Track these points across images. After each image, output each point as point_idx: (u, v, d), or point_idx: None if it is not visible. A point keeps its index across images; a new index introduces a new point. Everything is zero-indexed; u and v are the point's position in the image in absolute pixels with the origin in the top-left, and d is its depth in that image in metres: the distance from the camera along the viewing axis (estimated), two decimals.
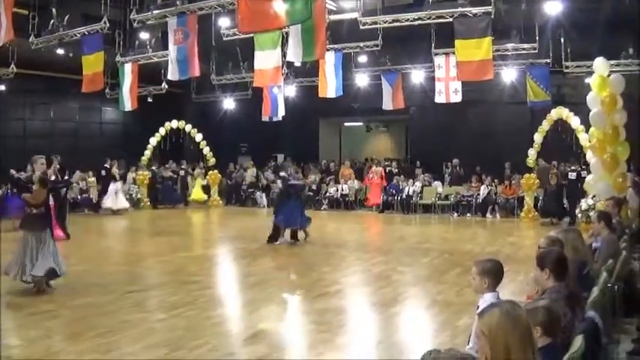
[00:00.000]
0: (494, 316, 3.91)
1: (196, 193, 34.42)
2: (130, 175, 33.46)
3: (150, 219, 29.39)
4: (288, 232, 20.15)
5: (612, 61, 19.94)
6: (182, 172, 34.74)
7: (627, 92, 18.59)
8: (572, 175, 26.69)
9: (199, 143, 34.98)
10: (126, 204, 31.24)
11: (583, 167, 25.90)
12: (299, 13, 18.68)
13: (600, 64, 18.63)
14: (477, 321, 4.06)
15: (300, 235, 20.54)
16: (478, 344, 4.03)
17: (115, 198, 30.65)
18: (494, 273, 6.39)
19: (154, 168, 34.29)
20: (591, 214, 16.51)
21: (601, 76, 18.40)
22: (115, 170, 31.35)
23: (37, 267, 12.18)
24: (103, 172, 31.35)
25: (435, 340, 9.65)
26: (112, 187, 30.69)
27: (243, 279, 15.28)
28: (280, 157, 39.31)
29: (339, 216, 29.92)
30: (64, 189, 16.30)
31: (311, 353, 9.11)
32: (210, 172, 34.46)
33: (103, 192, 31.03)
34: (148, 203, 33.05)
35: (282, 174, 20.31)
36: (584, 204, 21.77)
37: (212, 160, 34.81)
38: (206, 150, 35.00)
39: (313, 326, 10.44)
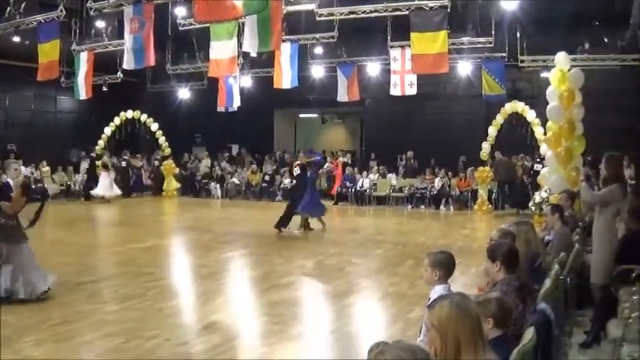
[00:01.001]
0: (445, 308, 3.94)
1: (168, 183, 34.19)
2: (84, 165, 33.31)
3: (103, 209, 29.11)
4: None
5: (570, 56, 20.05)
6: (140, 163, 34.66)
7: (584, 87, 18.72)
8: (538, 167, 26.87)
9: (155, 133, 34.71)
10: (118, 191, 31.89)
11: (537, 160, 26.05)
12: (255, 4, 18.65)
13: (561, 59, 18.72)
14: (427, 313, 4.07)
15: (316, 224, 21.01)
16: (428, 336, 4.05)
17: (110, 186, 31.28)
18: (445, 265, 6.40)
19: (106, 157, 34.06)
20: (544, 207, 16.57)
21: (561, 70, 18.49)
22: (105, 159, 31.96)
23: (41, 280, 11.20)
24: (88, 162, 32.58)
25: (387, 332, 9.67)
26: (104, 175, 31.20)
27: (196, 270, 15.22)
28: (235, 148, 39.23)
29: None
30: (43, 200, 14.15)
31: (264, 343, 9.14)
32: (165, 162, 34.16)
33: (90, 181, 31.67)
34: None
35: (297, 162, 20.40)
36: (537, 197, 21.89)
37: (167, 150, 34.57)
38: (161, 140, 34.72)
39: (266, 317, 10.46)
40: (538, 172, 25.40)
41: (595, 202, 9.13)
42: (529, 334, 5.01)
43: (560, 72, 18.49)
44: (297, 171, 21.13)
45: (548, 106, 18.62)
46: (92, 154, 32.57)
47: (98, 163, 31.74)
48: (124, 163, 33.99)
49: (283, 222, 20.55)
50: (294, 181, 22.89)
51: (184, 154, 37.13)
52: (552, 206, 11.42)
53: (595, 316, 9.00)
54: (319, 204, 21.37)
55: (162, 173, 34.29)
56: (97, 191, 31.00)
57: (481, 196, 27.19)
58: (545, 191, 20.67)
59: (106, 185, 31.00)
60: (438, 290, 6.20)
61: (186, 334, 9.42)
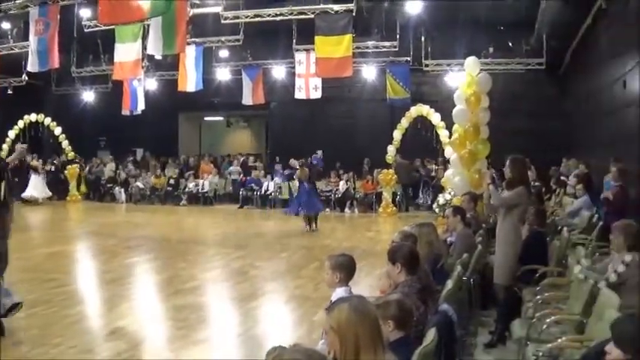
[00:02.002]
0: (343, 311, 3.93)
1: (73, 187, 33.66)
2: None
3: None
4: None
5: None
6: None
7: (489, 90, 18.93)
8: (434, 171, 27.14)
9: (58, 137, 34.13)
10: (49, 193, 31.94)
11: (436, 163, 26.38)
12: (159, 6, 18.51)
13: (471, 63, 18.89)
14: (326, 316, 4.04)
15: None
16: (327, 339, 4.06)
17: (40, 188, 31.29)
18: (346, 267, 6.43)
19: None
20: (447, 209, 16.75)
21: (470, 74, 18.66)
22: (34, 163, 31.66)
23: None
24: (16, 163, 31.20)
25: (293, 334, 9.67)
26: (35, 178, 31.09)
27: (101, 276, 15.00)
28: (139, 152, 38.82)
29: (198, 211, 29.70)
30: None
31: (169, 348, 9.08)
32: (69, 166, 33.58)
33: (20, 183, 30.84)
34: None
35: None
36: (441, 199, 22.08)
37: (71, 154, 34.04)
38: (65, 144, 34.15)
39: (171, 322, 10.37)
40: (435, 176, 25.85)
41: (502, 205, 9.22)
42: (431, 335, 5.02)
43: (469, 76, 18.66)
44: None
45: (455, 109, 18.77)
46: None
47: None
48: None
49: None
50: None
51: (92, 158, 36.56)
52: (454, 208, 11.53)
53: (499, 316, 9.10)
54: (315, 203, 21.97)
55: (67, 177, 33.61)
56: (32, 193, 30.87)
57: (385, 198, 27.28)
58: (449, 193, 20.86)
59: (37, 186, 30.66)
60: (339, 293, 6.21)
61: (91, 341, 9.27)
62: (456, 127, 19.10)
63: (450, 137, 21.20)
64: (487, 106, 18.52)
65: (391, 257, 6.50)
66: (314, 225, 21.89)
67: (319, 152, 30.25)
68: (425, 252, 7.79)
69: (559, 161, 24.49)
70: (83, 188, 34.00)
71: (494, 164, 18.48)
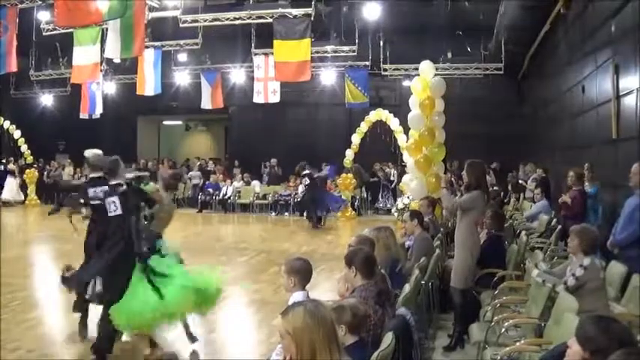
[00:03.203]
0: (299, 315, 3.96)
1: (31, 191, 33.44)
2: None
3: None
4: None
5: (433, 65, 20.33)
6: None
7: (447, 95, 18.96)
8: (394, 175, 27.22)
9: (17, 140, 33.84)
10: (22, 197, 32.62)
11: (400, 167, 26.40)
12: (116, 9, 18.44)
13: (426, 67, 18.88)
14: (281, 320, 4.07)
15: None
16: (283, 343, 4.05)
17: (16, 191, 32.14)
18: (301, 272, 6.48)
19: None
20: (406, 213, 16.78)
21: (423, 78, 18.68)
22: (11, 166, 32.37)
23: None
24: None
25: (252, 338, 9.67)
26: (11, 181, 31.85)
27: (57, 280, 14.86)
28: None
29: None
30: None
31: None
32: (28, 170, 33.31)
33: None
34: None
35: (305, 172, 20.13)
36: (400, 203, 22.10)
37: (30, 158, 33.78)
38: (24, 147, 33.89)
39: None
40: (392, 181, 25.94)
41: (456, 208, 9.24)
42: (388, 339, 5.04)
43: (423, 80, 18.69)
44: (306, 181, 21.31)
45: (410, 114, 18.78)
46: (2, 161, 32.66)
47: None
48: None
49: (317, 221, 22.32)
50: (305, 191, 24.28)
51: (50, 162, 36.20)
52: (411, 212, 11.60)
53: (456, 319, 9.14)
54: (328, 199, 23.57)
55: (25, 181, 33.33)
56: (6, 196, 31.50)
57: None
58: (408, 197, 20.90)
59: (12, 189, 30.75)
60: (296, 297, 6.21)
61: (49, 345, 9.19)
62: (411, 131, 19.14)
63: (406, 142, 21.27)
64: (442, 110, 18.53)
65: (348, 261, 6.55)
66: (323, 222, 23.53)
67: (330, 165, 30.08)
68: (383, 256, 7.81)
69: (517, 166, 24.67)
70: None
71: (453, 169, 18.56)
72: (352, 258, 6.53)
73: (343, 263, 6.63)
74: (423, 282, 8.48)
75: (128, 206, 9.00)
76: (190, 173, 32.81)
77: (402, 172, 24.17)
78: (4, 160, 32.42)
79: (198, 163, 34.53)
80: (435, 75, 18.85)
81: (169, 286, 8.59)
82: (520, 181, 22.62)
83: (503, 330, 7.09)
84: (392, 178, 29.07)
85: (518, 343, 6.68)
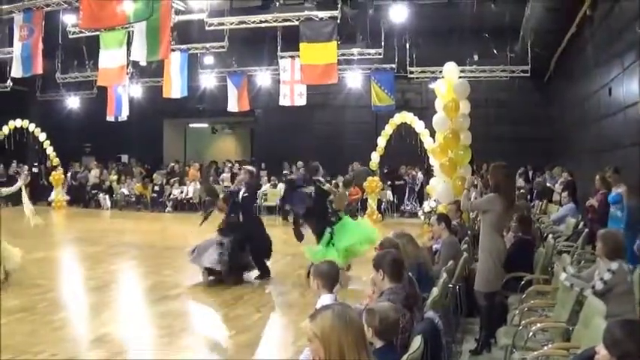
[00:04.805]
0: (327, 318, 3.94)
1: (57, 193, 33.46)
2: None
3: None
4: None
5: (458, 67, 20.23)
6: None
7: (472, 97, 18.91)
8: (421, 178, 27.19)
9: (43, 143, 33.97)
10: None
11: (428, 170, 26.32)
12: (141, 11, 18.51)
13: (451, 69, 18.85)
14: (309, 323, 4.04)
15: None
16: (311, 347, 4.01)
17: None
18: (326, 275, 6.53)
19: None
20: (432, 216, 16.73)
21: (447, 80, 18.63)
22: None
23: None
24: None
25: (278, 341, 9.66)
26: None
27: (85, 282, 14.91)
28: (124, 158, 38.72)
29: (183, 218, 29.57)
30: None
31: (153, 355, 9.03)
32: (54, 172, 33.42)
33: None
34: None
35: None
36: (426, 206, 22.05)
37: (55, 161, 33.89)
38: (50, 150, 34.00)
39: (155, 329, 10.31)
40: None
41: (470, 210, 9.26)
42: (417, 342, 5.02)
43: (447, 82, 18.64)
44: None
45: (435, 117, 18.75)
46: None
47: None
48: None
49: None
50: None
51: (74, 164, 36.37)
52: (438, 216, 11.55)
53: (482, 323, 9.10)
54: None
55: (51, 183, 33.45)
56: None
57: (370, 205, 27.23)
58: (434, 200, 20.83)
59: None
60: (324, 300, 6.25)
61: (74, 348, 9.22)
62: (437, 134, 19.09)
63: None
64: (467, 112, 18.47)
65: (375, 264, 6.54)
66: None
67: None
68: (406, 260, 7.81)
69: (543, 169, 24.58)
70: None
71: (482, 172, 18.51)
72: (380, 261, 6.51)
73: (371, 266, 6.64)
74: (450, 285, 8.47)
75: (322, 196, 14.72)
76: (223, 175, 32.81)
77: (429, 175, 24.13)
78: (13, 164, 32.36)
79: (230, 165, 34.54)
80: (461, 77, 18.82)
81: (343, 240, 14.04)
82: (548, 185, 22.51)
83: (530, 334, 7.06)
84: (418, 181, 29.07)
85: (545, 348, 6.66)
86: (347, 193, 17.10)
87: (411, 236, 8.83)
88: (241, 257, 14.28)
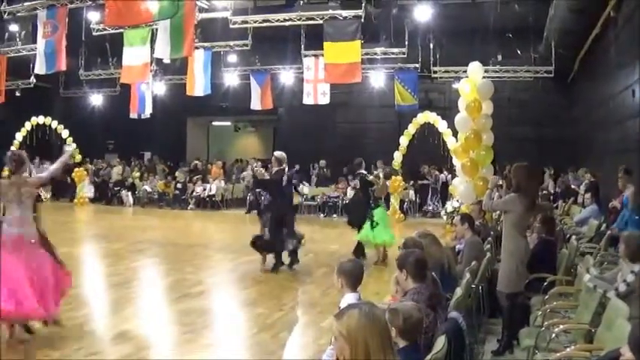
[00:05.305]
0: (353, 317, 3.92)
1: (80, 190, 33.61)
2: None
3: None
4: None
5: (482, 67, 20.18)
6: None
7: (495, 97, 18.88)
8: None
9: (65, 139, 34.09)
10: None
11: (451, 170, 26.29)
12: (167, 9, 18.53)
13: (475, 69, 18.80)
14: (335, 322, 4.02)
15: None
16: (336, 345, 4.01)
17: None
18: (349, 273, 6.49)
19: None
20: (455, 216, 16.72)
21: (471, 80, 18.58)
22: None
23: None
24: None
25: (299, 340, 9.67)
26: None
27: (107, 279, 14.97)
28: (147, 155, 38.86)
29: (206, 216, 29.66)
30: None
31: (175, 353, 9.06)
32: (76, 169, 33.54)
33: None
34: None
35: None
36: (449, 206, 22.02)
37: (78, 157, 34.01)
38: (72, 146, 34.13)
39: (177, 326, 10.35)
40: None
41: (491, 210, 9.26)
42: (441, 342, 5.02)
43: (470, 82, 18.59)
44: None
45: (457, 117, 18.72)
46: None
47: None
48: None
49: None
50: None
51: (96, 161, 36.52)
52: (462, 216, 11.54)
53: (504, 324, 9.08)
54: None
55: (74, 180, 33.59)
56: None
57: (393, 205, 27.20)
58: (457, 201, 20.80)
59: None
60: (348, 299, 6.23)
61: (97, 344, 9.26)
62: (460, 134, 19.06)
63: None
64: (489, 113, 18.42)
65: (399, 264, 6.55)
66: None
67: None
68: (430, 260, 7.81)
69: (566, 170, 24.51)
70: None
71: (502, 172, 18.49)
72: (404, 261, 6.50)
73: (393, 265, 6.64)
74: (473, 286, 8.47)
75: (367, 186, 17.13)
76: (244, 174, 32.85)
77: (454, 175, 24.10)
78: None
79: (255, 164, 34.51)
80: (484, 77, 18.76)
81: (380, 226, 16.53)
82: (572, 186, 22.41)
83: (553, 335, 7.05)
84: (440, 181, 29.06)
85: (568, 349, 6.64)
86: (387, 183, 18.54)
87: (434, 236, 8.82)
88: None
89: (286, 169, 15.78)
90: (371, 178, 17.29)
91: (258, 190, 16.58)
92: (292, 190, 16.46)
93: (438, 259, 8.30)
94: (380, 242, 16.61)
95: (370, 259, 16.78)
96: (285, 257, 15.56)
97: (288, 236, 15.43)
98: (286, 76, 31.42)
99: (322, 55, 24.87)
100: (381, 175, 17.78)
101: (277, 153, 16.48)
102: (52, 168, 10.55)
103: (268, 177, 15.96)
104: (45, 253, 9.50)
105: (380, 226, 16.55)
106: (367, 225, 16.51)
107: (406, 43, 26.97)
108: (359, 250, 17.02)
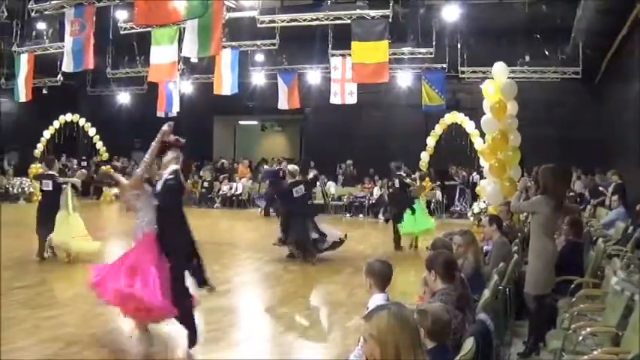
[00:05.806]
0: (383, 318, 3.93)
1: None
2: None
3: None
4: None
5: (509, 68, 20.08)
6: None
7: (523, 99, 18.82)
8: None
9: (92, 137, 34.27)
10: None
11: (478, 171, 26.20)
12: (196, 9, 18.52)
13: (500, 69, 18.72)
14: (365, 323, 4.03)
15: None
16: (366, 347, 4.01)
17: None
18: (377, 273, 6.44)
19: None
20: (483, 217, 16.68)
21: (495, 81, 18.51)
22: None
23: None
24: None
25: (325, 340, 9.68)
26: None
27: None
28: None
29: (232, 214, 29.74)
30: None
31: (201, 351, 9.05)
32: (103, 167, 33.58)
33: None
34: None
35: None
36: (476, 207, 21.96)
37: (105, 155, 34.18)
38: (99, 144, 34.32)
39: (203, 325, 10.32)
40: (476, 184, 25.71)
41: (518, 211, 9.24)
42: (469, 344, 5.02)
43: (495, 83, 18.53)
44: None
45: (483, 118, 18.67)
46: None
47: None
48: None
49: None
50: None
51: (123, 159, 36.69)
52: (490, 217, 11.51)
53: (530, 326, 9.05)
54: None
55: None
56: None
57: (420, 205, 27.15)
58: (484, 202, 20.74)
59: None
60: (376, 299, 6.22)
61: (123, 341, 9.31)
62: (487, 135, 19.02)
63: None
64: (515, 113, 18.35)
65: (428, 265, 6.56)
66: None
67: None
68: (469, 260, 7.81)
69: (593, 171, 24.39)
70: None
71: (529, 173, 18.42)
72: (432, 262, 6.51)
73: (420, 265, 6.65)
74: (500, 287, 8.45)
75: (405, 187, 19.50)
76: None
77: (480, 176, 24.03)
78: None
79: (284, 164, 34.54)
80: (512, 78, 18.70)
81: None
82: (600, 188, 22.28)
83: (580, 338, 7.03)
84: (470, 182, 29.01)
85: (595, 352, 6.63)
86: (423, 184, 21.92)
87: (474, 236, 8.86)
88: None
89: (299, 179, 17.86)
90: (408, 180, 19.90)
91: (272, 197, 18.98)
92: (306, 198, 18.24)
93: (475, 260, 8.35)
94: (423, 229, 19.18)
95: (405, 251, 18.61)
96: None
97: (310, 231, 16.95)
98: (313, 76, 31.41)
99: (350, 55, 24.86)
100: (417, 178, 20.91)
101: (290, 167, 18.90)
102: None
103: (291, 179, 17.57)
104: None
105: (420, 214, 19.41)
106: (408, 215, 18.94)
107: (434, 43, 26.92)
108: (398, 242, 19.45)
